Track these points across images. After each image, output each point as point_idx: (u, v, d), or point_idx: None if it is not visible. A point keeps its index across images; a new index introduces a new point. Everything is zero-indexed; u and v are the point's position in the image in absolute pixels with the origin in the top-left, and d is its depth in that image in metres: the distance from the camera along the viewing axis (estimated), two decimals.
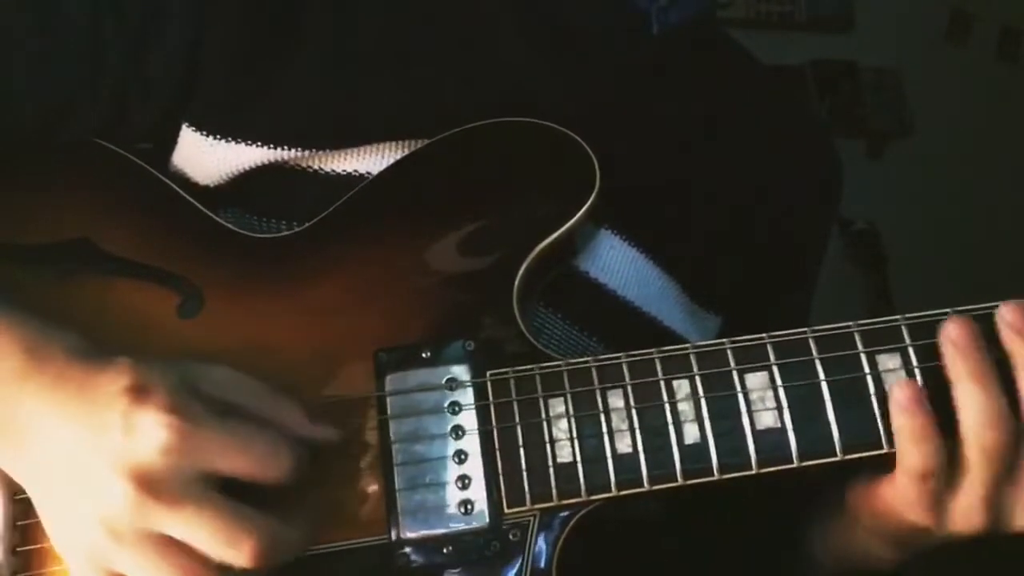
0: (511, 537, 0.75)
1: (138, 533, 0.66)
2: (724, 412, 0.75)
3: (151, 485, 0.65)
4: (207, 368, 0.72)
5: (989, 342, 0.74)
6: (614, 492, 0.75)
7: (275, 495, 0.70)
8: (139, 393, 0.67)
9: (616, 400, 0.76)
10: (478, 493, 0.76)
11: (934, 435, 0.72)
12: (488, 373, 0.77)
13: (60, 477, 0.69)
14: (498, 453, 0.76)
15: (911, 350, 0.75)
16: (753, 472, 0.74)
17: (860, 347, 0.76)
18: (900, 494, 0.75)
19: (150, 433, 0.66)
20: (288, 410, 0.73)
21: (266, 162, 0.85)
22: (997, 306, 0.76)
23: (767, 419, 0.75)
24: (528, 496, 0.75)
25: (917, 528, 0.76)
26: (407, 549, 0.75)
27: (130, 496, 0.65)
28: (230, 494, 0.68)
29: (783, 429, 0.75)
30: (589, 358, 0.77)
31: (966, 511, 0.74)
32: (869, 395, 0.75)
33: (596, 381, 0.76)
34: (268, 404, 0.73)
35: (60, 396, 0.68)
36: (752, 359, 0.76)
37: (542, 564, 0.75)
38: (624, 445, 0.75)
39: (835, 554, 0.89)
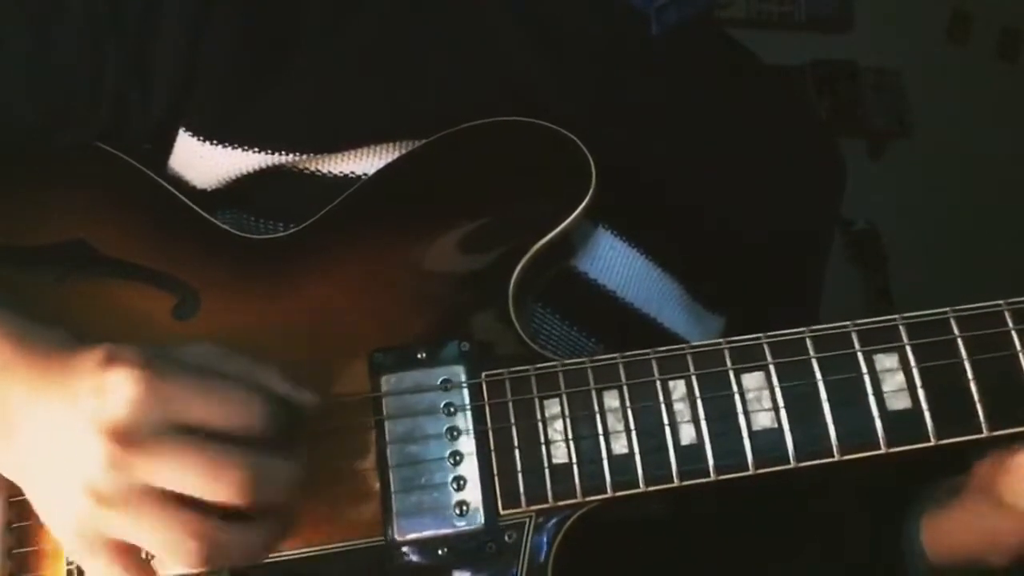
0: (507, 538, 0.75)
1: (123, 491, 0.65)
2: (720, 413, 0.75)
3: (126, 438, 0.64)
4: (187, 345, 0.71)
5: (997, 343, 0.74)
6: (610, 493, 0.74)
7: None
8: (111, 359, 0.66)
9: (612, 401, 0.76)
10: (474, 494, 0.76)
11: None
12: (483, 374, 0.77)
13: (43, 456, 0.68)
14: (493, 454, 0.76)
15: (908, 349, 0.75)
16: (750, 473, 0.74)
17: (857, 347, 0.75)
18: None
19: (120, 388, 0.64)
20: (269, 373, 0.72)
21: (263, 167, 0.85)
22: (998, 304, 0.75)
23: (764, 419, 0.75)
24: (523, 497, 0.75)
25: None
26: (403, 550, 0.75)
27: (107, 453, 0.64)
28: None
29: (780, 429, 0.74)
30: (585, 359, 0.77)
31: None
32: (866, 395, 0.74)
33: (592, 382, 0.76)
34: (249, 367, 0.71)
35: (41, 383, 0.68)
36: (749, 359, 0.76)
37: (539, 565, 0.75)
38: (620, 446, 0.75)
39: (952, 540, 0.87)
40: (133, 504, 0.65)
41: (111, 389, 0.65)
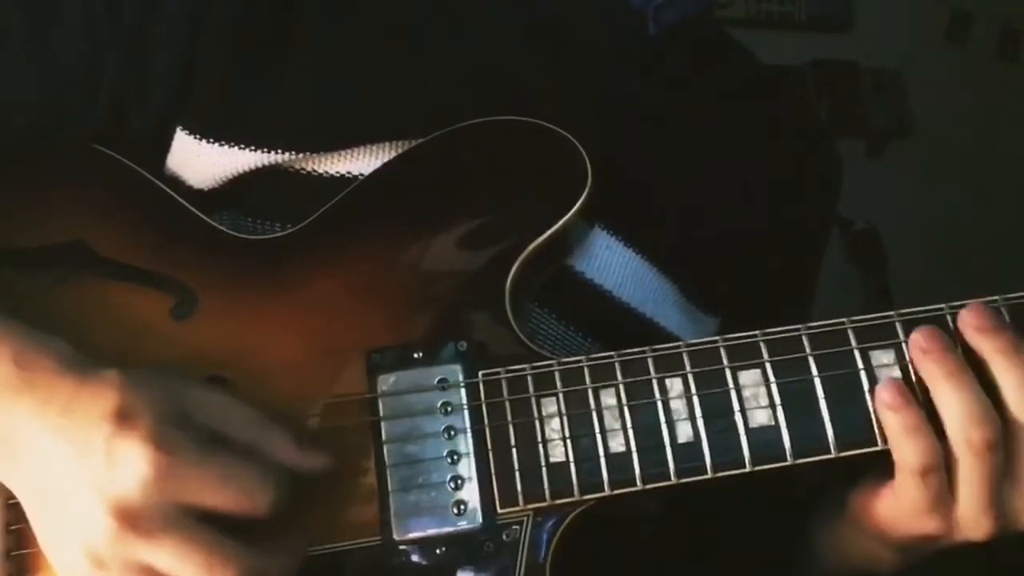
0: (505, 537, 0.75)
1: (120, 563, 0.66)
2: (717, 410, 0.75)
3: (131, 518, 0.65)
4: (201, 393, 0.71)
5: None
6: (607, 492, 0.75)
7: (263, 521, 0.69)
8: (123, 419, 0.66)
9: (609, 399, 0.76)
10: (471, 493, 0.76)
11: (926, 427, 0.72)
12: (480, 373, 0.77)
13: (49, 496, 0.69)
14: (491, 453, 0.76)
15: (905, 346, 0.75)
16: (747, 470, 0.74)
17: (853, 343, 0.75)
18: (903, 498, 0.75)
19: (131, 465, 0.65)
20: (279, 440, 0.72)
21: (260, 165, 0.85)
22: (994, 299, 0.75)
23: (760, 417, 0.75)
24: (521, 496, 0.75)
25: (923, 536, 0.76)
26: (401, 550, 0.75)
27: (111, 529, 0.65)
28: (217, 522, 0.67)
29: (777, 427, 0.74)
30: (582, 357, 0.77)
31: (970, 515, 0.74)
32: (863, 391, 0.74)
33: (588, 380, 0.76)
34: (259, 434, 0.71)
35: (49, 412, 0.68)
36: (745, 356, 0.76)
37: (537, 564, 0.75)
38: (617, 444, 0.75)
39: (838, 556, 0.89)
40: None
41: (122, 464, 0.65)
